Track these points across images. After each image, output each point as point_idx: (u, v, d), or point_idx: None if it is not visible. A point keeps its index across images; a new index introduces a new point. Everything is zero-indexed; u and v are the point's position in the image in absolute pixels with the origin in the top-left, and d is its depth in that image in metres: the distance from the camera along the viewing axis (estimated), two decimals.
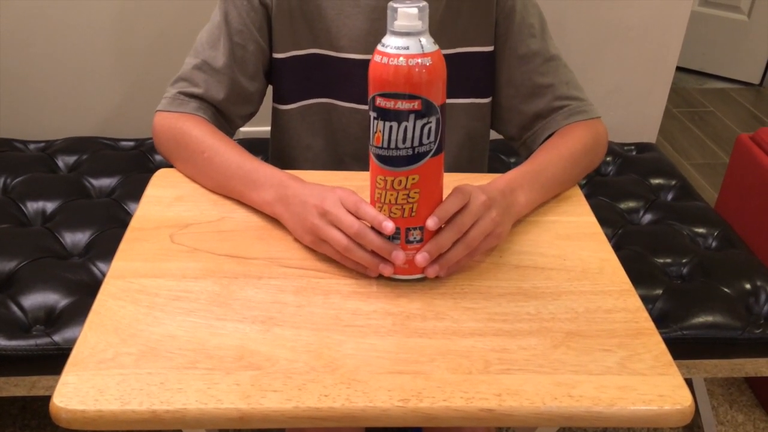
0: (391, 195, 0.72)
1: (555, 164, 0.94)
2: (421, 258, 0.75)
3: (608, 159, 1.67)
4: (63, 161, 1.57)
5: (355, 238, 0.75)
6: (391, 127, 0.69)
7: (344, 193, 0.77)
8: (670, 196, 1.56)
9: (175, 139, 0.96)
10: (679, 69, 2.20)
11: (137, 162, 1.57)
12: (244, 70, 1.01)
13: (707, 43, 3.20)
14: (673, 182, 1.59)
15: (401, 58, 0.67)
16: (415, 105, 0.68)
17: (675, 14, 1.95)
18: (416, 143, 0.70)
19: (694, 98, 3.09)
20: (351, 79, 1.03)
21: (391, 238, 0.74)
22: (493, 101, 1.09)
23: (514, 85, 1.05)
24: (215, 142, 0.93)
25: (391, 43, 0.67)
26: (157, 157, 1.60)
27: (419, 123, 0.69)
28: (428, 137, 0.70)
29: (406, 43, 0.67)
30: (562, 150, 0.96)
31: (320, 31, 1.01)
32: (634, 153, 1.73)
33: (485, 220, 0.77)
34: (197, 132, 0.94)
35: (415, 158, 0.70)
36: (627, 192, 1.54)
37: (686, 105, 3.02)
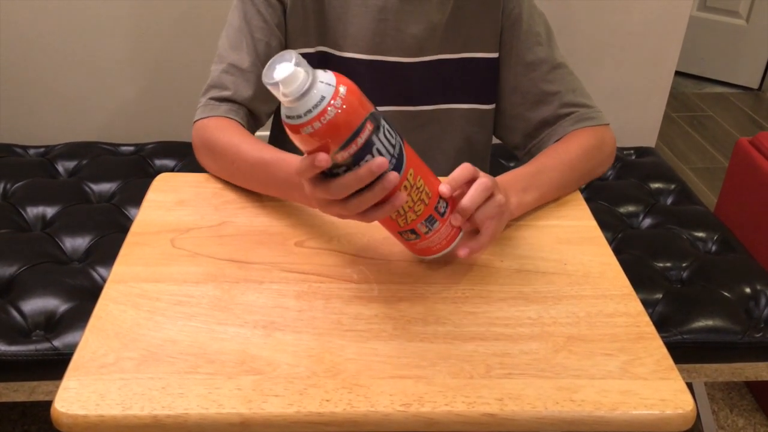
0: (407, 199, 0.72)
1: (553, 168, 0.93)
2: (455, 220, 0.75)
3: None
4: (63, 166, 1.57)
5: (303, 176, 0.69)
6: (367, 159, 0.67)
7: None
8: (669, 200, 1.56)
9: (210, 151, 0.96)
10: (678, 73, 2.21)
11: (137, 167, 1.57)
12: None
13: (706, 47, 3.20)
14: (673, 186, 1.59)
15: (330, 109, 0.64)
16: (369, 126, 0.66)
17: (674, 19, 1.96)
18: (392, 149, 0.69)
19: (693, 102, 3.10)
20: (351, 78, 1.03)
21: (430, 221, 0.74)
22: (497, 109, 1.09)
23: (520, 93, 1.05)
24: (242, 146, 0.92)
25: (303, 108, 0.64)
26: (157, 162, 1.60)
27: (381, 133, 0.68)
28: (393, 135, 0.69)
29: (319, 95, 0.64)
30: (562, 154, 0.96)
31: (328, 29, 1.02)
32: (633, 157, 1.73)
33: (498, 195, 0.77)
34: (226, 140, 0.94)
35: (400, 159, 0.70)
36: (626, 196, 1.54)
37: (685, 109, 3.03)
